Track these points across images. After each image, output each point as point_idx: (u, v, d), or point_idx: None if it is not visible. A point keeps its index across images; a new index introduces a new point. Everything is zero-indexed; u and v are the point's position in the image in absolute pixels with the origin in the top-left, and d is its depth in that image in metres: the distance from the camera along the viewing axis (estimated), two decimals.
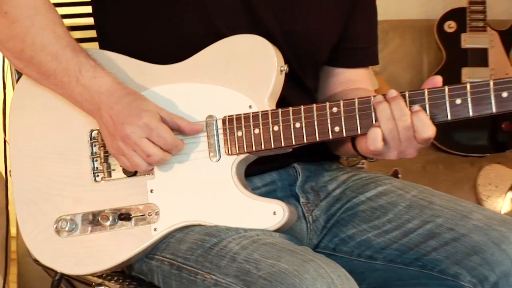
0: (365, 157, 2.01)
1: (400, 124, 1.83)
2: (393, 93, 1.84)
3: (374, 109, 1.85)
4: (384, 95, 1.85)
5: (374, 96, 1.89)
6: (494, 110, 1.83)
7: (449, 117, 1.83)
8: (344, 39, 2.21)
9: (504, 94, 1.82)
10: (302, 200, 2.12)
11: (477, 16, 4.38)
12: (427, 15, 4.71)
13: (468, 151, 4.18)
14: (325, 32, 2.17)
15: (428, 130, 1.82)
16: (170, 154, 1.93)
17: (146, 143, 1.90)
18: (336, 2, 2.18)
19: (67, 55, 1.98)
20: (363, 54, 2.27)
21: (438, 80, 1.86)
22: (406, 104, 1.83)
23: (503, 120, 4.22)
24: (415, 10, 4.80)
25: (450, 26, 4.44)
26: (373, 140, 1.85)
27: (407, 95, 1.84)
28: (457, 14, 4.44)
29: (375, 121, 1.86)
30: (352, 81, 2.24)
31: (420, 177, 3.92)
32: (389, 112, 1.84)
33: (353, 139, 1.99)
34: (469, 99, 1.83)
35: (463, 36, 4.40)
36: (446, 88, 1.83)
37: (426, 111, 1.82)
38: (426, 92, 1.83)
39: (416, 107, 1.82)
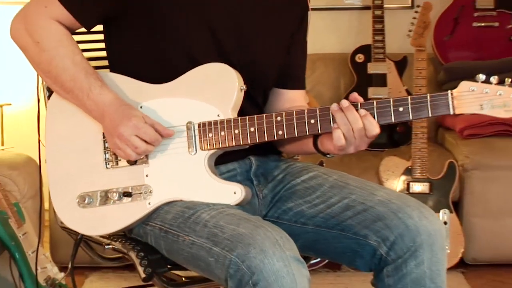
0: (324, 154, 2.02)
1: (354, 126, 1.84)
2: (345, 103, 1.85)
3: (333, 116, 1.87)
4: (338, 105, 1.86)
5: (308, 109, 1.90)
6: (393, 120, 1.84)
7: None
8: (285, 67, 2.19)
9: (400, 109, 1.83)
10: (255, 182, 2.10)
11: (378, 50, 4.38)
12: (343, 49, 4.70)
13: (372, 147, 4.18)
14: (270, 63, 2.15)
15: (376, 128, 1.84)
16: (152, 145, 1.94)
17: (134, 138, 1.92)
18: (279, 41, 2.16)
19: (81, 77, 1.97)
20: (297, 80, 2.26)
21: (356, 95, 1.88)
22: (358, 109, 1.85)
23: (398, 124, 4.23)
24: (334, 46, 4.80)
25: (360, 58, 4.44)
26: (338, 139, 1.86)
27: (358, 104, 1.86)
28: (364, 49, 4.44)
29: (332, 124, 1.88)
30: (293, 100, 2.22)
31: (339, 165, 3.91)
32: (345, 118, 1.85)
33: (315, 141, 2.00)
34: (375, 113, 1.85)
35: (369, 65, 4.39)
36: (359, 103, 1.86)
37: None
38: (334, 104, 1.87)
39: (363, 112, 1.84)
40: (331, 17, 4.83)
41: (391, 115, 1.84)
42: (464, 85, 1.79)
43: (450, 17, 4.49)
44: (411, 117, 1.83)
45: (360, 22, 4.81)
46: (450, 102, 1.80)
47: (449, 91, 1.79)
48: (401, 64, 4.43)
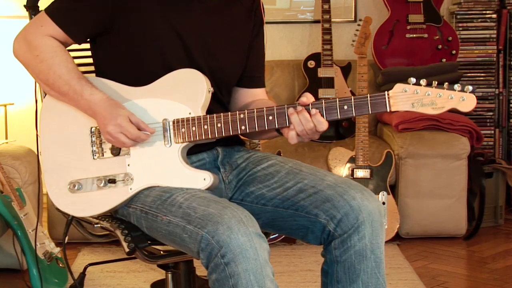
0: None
1: (306, 126, 1.84)
2: (299, 107, 1.85)
3: (289, 118, 1.86)
4: (294, 108, 1.85)
5: (267, 107, 1.89)
6: (339, 116, 1.85)
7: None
8: (246, 70, 2.18)
9: (345, 107, 1.83)
10: (221, 169, 2.08)
11: (327, 58, 4.37)
12: (297, 57, 4.71)
13: (322, 139, 4.20)
14: (234, 68, 2.15)
15: (324, 126, 1.84)
16: (136, 141, 1.93)
17: (120, 135, 1.91)
18: (240, 49, 2.15)
19: (74, 81, 1.95)
20: (258, 80, 2.24)
21: (310, 96, 1.88)
22: (309, 110, 1.85)
23: (343, 119, 4.24)
24: (289, 54, 4.80)
25: (311, 64, 4.44)
26: (291, 138, 1.88)
27: (309, 105, 1.86)
28: (315, 56, 4.44)
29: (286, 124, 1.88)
30: (255, 95, 2.21)
31: (294, 155, 3.92)
32: (299, 120, 1.85)
33: (278, 130, 1.98)
34: (323, 110, 1.84)
35: (319, 70, 4.39)
36: (310, 104, 1.85)
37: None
38: (290, 107, 1.86)
39: (314, 111, 1.84)
40: (286, 29, 4.83)
41: (337, 112, 1.84)
42: (399, 86, 1.80)
43: (387, 30, 4.50)
44: (354, 114, 1.83)
45: (311, 34, 4.82)
46: (387, 101, 1.80)
47: (386, 92, 1.80)
48: (346, 69, 4.44)
